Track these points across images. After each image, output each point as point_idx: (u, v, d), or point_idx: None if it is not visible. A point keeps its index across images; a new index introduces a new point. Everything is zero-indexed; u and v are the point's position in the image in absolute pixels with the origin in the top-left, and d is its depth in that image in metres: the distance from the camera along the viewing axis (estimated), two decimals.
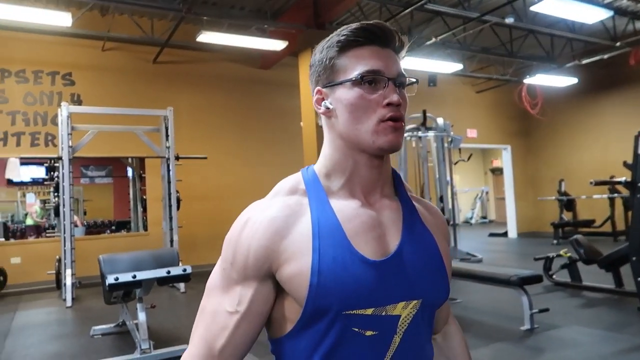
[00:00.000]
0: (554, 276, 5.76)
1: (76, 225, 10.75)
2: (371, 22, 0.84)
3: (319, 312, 0.78)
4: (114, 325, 4.35)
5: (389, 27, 0.85)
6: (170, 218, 6.59)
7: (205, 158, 7.36)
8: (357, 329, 0.78)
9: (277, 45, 7.50)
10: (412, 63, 8.62)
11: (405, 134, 7.71)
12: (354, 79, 0.81)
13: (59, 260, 6.64)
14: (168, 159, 6.67)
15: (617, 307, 4.67)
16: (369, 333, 0.78)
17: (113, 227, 9.89)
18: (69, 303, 5.66)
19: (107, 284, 3.33)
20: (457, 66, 9.22)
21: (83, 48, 7.78)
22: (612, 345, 3.54)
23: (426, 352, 0.87)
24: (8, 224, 11.41)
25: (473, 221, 16.96)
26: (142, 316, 3.59)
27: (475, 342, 3.63)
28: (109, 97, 7.71)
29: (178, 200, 6.73)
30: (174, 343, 3.82)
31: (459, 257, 7.66)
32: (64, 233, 6.10)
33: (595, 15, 7.21)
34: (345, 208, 0.83)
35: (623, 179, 4.94)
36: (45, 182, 7.78)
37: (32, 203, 12.18)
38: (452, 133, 8.25)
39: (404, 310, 0.81)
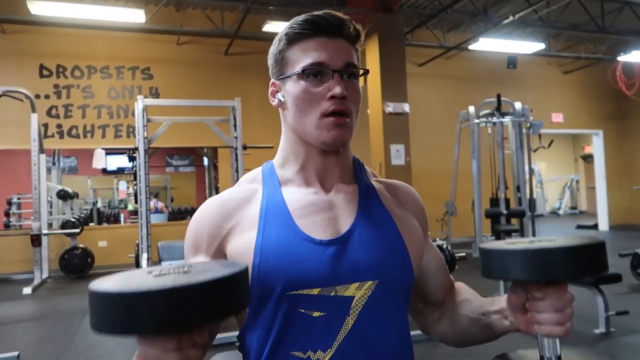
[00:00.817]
0: None
1: (161, 212, 11.46)
2: (319, 12, 0.83)
3: (265, 293, 0.77)
4: None
5: (339, 17, 0.84)
6: None
7: (272, 147, 7.46)
8: (303, 310, 0.77)
9: None
10: (488, 44, 8.14)
11: (479, 120, 7.31)
12: (297, 72, 0.82)
13: (138, 245, 7.07)
14: (236, 148, 6.85)
15: None
16: (316, 314, 0.77)
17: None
18: None
19: None
20: (539, 46, 8.57)
21: (160, 43, 8.17)
22: None
23: (388, 335, 0.81)
24: (104, 209, 12.42)
25: (561, 212, 15.84)
26: None
27: None
28: (184, 89, 8.05)
29: None
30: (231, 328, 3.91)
31: None
32: (141, 219, 6.48)
33: None
34: (296, 193, 0.85)
35: None
36: (126, 172, 8.31)
37: (124, 190, 13.15)
38: (531, 118, 7.69)
39: (358, 292, 0.79)
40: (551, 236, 0.81)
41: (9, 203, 9.51)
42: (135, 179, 7.33)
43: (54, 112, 7.65)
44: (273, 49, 0.86)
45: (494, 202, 7.70)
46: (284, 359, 0.77)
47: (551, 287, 0.72)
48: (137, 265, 7.08)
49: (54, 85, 7.69)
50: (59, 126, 7.67)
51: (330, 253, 0.79)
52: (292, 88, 0.83)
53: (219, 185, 8.63)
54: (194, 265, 0.66)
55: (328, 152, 0.85)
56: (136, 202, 7.68)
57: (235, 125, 6.81)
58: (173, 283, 0.55)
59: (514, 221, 7.63)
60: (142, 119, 6.54)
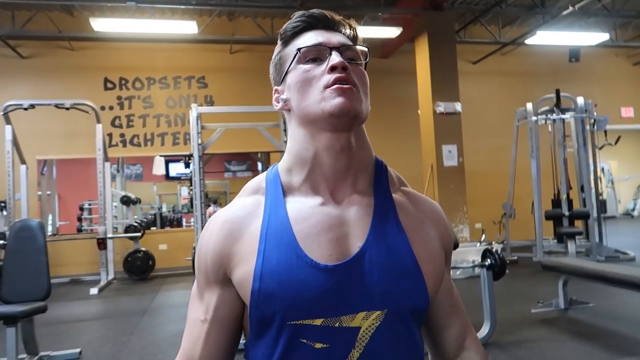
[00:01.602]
0: None
1: None
2: (313, 10, 0.81)
3: (265, 321, 0.72)
4: None
5: (331, 14, 0.80)
6: None
7: None
8: (305, 341, 0.71)
9: (392, 32, 7.32)
10: (547, 38, 7.76)
11: (537, 117, 6.98)
12: (294, 56, 0.78)
13: (194, 248, 7.33)
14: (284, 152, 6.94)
15: None
16: (318, 345, 0.70)
17: None
18: None
19: None
20: (603, 36, 8.06)
21: (213, 52, 8.45)
22: None
23: None
24: (168, 213, 12.98)
25: (636, 213, 14.78)
26: None
27: (601, 355, 3.17)
28: (237, 96, 8.27)
29: None
30: None
31: (605, 254, 6.74)
32: (196, 223, 6.71)
33: None
34: (302, 206, 0.77)
35: None
36: (182, 178, 8.63)
37: (185, 196, 13.68)
38: (595, 113, 7.25)
39: (365, 322, 0.72)
40: None
41: (81, 209, 10.18)
42: (191, 185, 7.63)
43: (117, 122, 8.10)
44: (273, 58, 0.84)
45: (556, 203, 7.33)
46: None
47: None
48: (193, 268, 7.33)
49: (117, 96, 8.15)
50: (122, 135, 8.11)
51: (336, 280, 0.72)
52: (292, 78, 0.78)
53: None
54: None
55: (337, 146, 0.76)
56: (192, 207, 8.01)
57: (285, 130, 6.92)
58: None
59: (578, 223, 7.22)
60: (197, 127, 6.78)
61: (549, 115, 7.13)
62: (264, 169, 10.44)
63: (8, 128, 6.36)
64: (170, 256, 7.98)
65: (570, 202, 6.96)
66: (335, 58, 0.75)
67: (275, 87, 0.83)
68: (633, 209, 14.94)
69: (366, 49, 0.82)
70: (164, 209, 12.96)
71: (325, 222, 0.75)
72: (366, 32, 7.29)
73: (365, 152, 0.81)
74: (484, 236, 6.57)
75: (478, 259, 3.76)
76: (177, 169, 11.51)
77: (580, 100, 7.09)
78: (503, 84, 9.58)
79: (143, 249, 7.41)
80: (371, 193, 0.80)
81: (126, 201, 8.24)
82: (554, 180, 7.36)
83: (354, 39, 0.81)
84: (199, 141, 6.76)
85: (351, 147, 0.77)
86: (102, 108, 7.78)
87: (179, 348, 0.82)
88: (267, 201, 0.78)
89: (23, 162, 6.83)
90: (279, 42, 0.83)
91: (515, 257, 6.97)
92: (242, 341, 0.81)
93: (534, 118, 7.02)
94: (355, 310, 0.72)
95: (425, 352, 0.84)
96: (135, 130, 8.17)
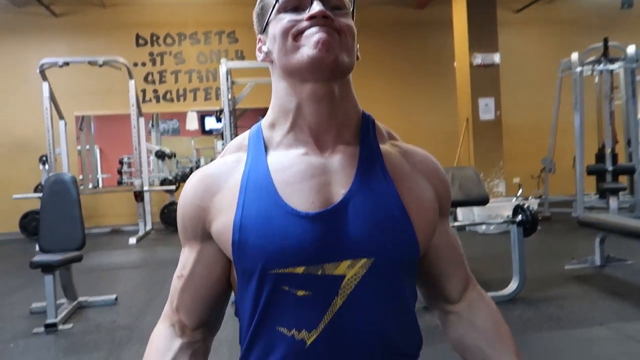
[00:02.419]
0: None
1: None
2: None
3: (247, 271, 0.72)
4: None
5: None
6: None
7: None
8: (287, 288, 0.71)
9: None
10: None
11: (582, 67, 6.58)
12: (274, 5, 0.75)
13: None
14: None
15: None
16: (301, 293, 0.70)
17: None
18: None
19: None
20: None
21: (244, 6, 8.28)
22: None
23: (384, 319, 0.73)
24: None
25: None
26: None
27: (635, 312, 3.06)
28: None
29: None
30: None
31: None
32: None
33: None
34: (283, 158, 0.76)
35: None
36: (214, 133, 8.72)
37: (219, 150, 13.88)
38: None
39: (350, 270, 0.70)
40: None
41: (121, 162, 10.50)
42: (223, 139, 7.69)
43: (150, 78, 8.18)
44: (255, 7, 0.81)
45: (599, 158, 7.01)
46: (269, 333, 0.73)
47: None
48: None
49: (149, 53, 8.19)
50: (155, 91, 8.20)
51: (318, 228, 0.70)
52: (273, 29, 0.75)
53: None
54: None
55: (319, 94, 0.73)
56: None
57: None
58: None
59: (622, 179, 6.90)
60: (227, 82, 6.76)
61: (595, 66, 6.70)
62: None
63: (45, 85, 6.51)
64: None
65: (614, 157, 6.63)
66: (315, 7, 0.71)
67: (258, 36, 0.80)
68: None
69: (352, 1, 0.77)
70: (202, 162, 13.22)
71: (306, 171, 0.74)
72: None
73: (350, 104, 0.78)
74: (520, 191, 6.40)
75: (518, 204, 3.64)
76: (211, 123, 11.63)
77: (630, 49, 6.61)
78: (547, 34, 9.04)
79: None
80: (357, 143, 0.78)
81: (161, 155, 8.41)
82: (598, 134, 7.01)
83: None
84: (230, 96, 6.75)
85: (334, 97, 0.74)
86: (135, 64, 7.85)
87: None
88: (248, 157, 0.78)
89: (61, 117, 7.03)
90: None
91: (549, 214, 6.77)
92: (231, 300, 0.82)
93: (579, 69, 6.62)
94: (339, 259, 0.70)
95: (419, 302, 0.81)
96: (168, 86, 8.23)
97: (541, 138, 7.66)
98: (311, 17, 0.71)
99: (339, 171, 0.75)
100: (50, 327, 3.15)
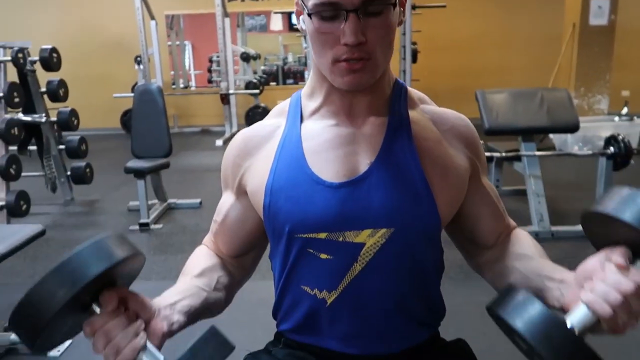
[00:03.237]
0: None
1: None
2: None
3: (276, 233, 0.80)
4: None
5: None
6: (404, 71, 6.54)
7: (444, 7, 6.76)
8: (312, 251, 0.77)
9: None
10: None
11: None
12: (307, 11, 0.72)
13: None
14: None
15: None
16: (323, 256, 0.77)
17: None
18: None
19: None
20: None
21: None
22: None
23: (400, 288, 0.79)
24: (292, 64, 13.12)
25: None
26: None
27: None
28: None
29: (414, 53, 6.57)
30: None
31: None
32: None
33: None
34: (314, 126, 0.81)
35: None
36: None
37: (305, 47, 13.60)
38: None
39: (370, 239, 0.76)
40: None
41: (210, 60, 10.72)
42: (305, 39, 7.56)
43: None
44: None
45: None
46: (295, 289, 0.82)
47: None
48: None
49: None
50: None
51: (340, 196, 0.75)
52: (307, 23, 0.75)
53: None
54: None
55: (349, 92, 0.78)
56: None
57: None
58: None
59: None
60: None
61: None
62: None
63: None
64: None
65: None
66: (348, 38, 0.69)
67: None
68: None
69: (393, 2, 0.71)
70: (290, 59, 13.10)
71: (334, 140, 0.79)
72: None
73: (384, 79, 0.81)
74: (626, 108, 5.76)
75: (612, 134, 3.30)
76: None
77: None
78: None
79: (262, 104, 7.77)
80: (387, 113, 0.81)
81: (246, 58, 8.48)
82: None
83: None
84: None
85: (364, 91, 0.79)
86: None
87: None
88: (287, 124, 0.84)
89: (152, 17, 7.21)
90: None
91: None
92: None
93: None
94: (360, 227, 0.75)
95: (438, 269, 0.86)
96: None
97: None
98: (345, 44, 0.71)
99: (367, 141, 0.79)
100: (144, 226, 3.55)
